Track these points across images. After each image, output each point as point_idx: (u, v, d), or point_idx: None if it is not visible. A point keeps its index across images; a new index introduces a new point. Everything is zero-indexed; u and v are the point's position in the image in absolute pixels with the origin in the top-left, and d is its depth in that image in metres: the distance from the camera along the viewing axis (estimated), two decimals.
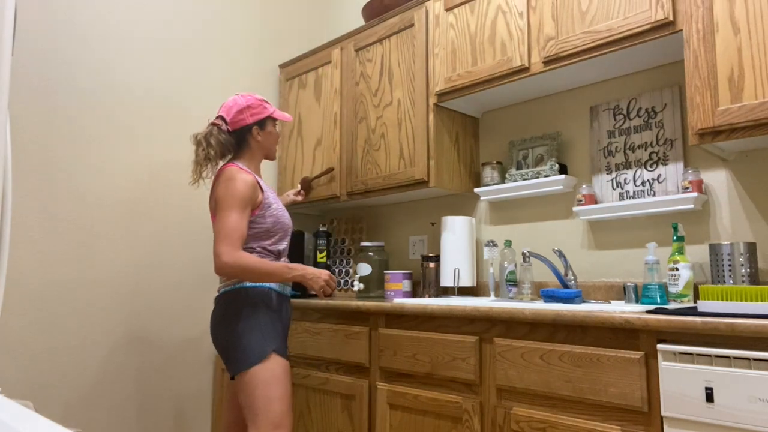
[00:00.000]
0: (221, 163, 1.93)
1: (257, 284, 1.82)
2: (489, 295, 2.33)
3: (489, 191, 2.30)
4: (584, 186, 2.06)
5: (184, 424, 2.53)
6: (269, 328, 1.78)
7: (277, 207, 1.90)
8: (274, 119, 1.96)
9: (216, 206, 1.79)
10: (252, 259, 1.72)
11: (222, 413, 2.58)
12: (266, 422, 1.68)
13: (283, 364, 1.77)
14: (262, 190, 1.86)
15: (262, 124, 1.91)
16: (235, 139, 1.90)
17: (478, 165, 2.49)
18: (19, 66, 2.17)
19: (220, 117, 1.89)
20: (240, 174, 1.79)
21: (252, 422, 1.70)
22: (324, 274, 1.84)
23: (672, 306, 1.65)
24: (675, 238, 1.75)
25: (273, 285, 1.85)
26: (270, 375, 1.72)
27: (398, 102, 2.41)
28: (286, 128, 2.98)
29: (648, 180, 1.96)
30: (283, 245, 1.95)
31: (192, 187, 2.65)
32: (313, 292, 1.95)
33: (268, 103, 1.95)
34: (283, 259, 1.97)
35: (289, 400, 1.75)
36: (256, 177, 1.87)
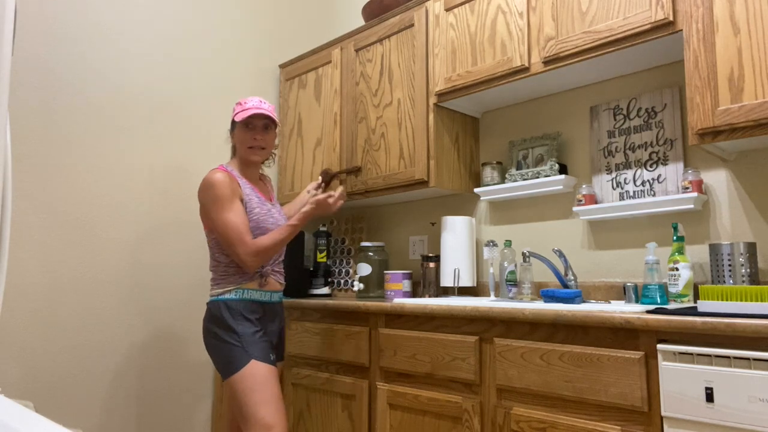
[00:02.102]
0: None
1: (237, 297, 1.82)
2: (489, 295, 2.33)
3: (489, 191, 2.30)
4: (584, 186, 2.06)
5: (184, 424, 2.53)
6: (247, 337, 1.78)
7: (260, 212, 1.88)
8: (240, 122, 1.92)
9: (207, 214, 1.83)
10: (266, 240, 1.80)
11: (223, 412, 2.58)
12: (257, 426, 1.69)
13: (266, 370, 1.74)
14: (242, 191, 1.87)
15: (232, 127, 1.98)
16: None
17: (478, 165, 2.49)
18: (19, 66, 2.17)
19: None
20: (213, 175, 1.83)
21: (245, 427, 1.71)
22: (320, 199, 1.89)
23: (672, 306, 1.65)
24: (675, 238, 1.75)
25: (255, 295, 1.86)
26: (253, 381, 1.71)
27: (398, 102, 2.41)
28: (287, 128, 2.98)
29: (648, 180, 1.96)
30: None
31: (191, 188, 2.65)
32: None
33: (240, 105, 1.91)
34: (280, 257, 1.97)
35: (277, 402, 1.72)
36: (237, 176, 1.88)
